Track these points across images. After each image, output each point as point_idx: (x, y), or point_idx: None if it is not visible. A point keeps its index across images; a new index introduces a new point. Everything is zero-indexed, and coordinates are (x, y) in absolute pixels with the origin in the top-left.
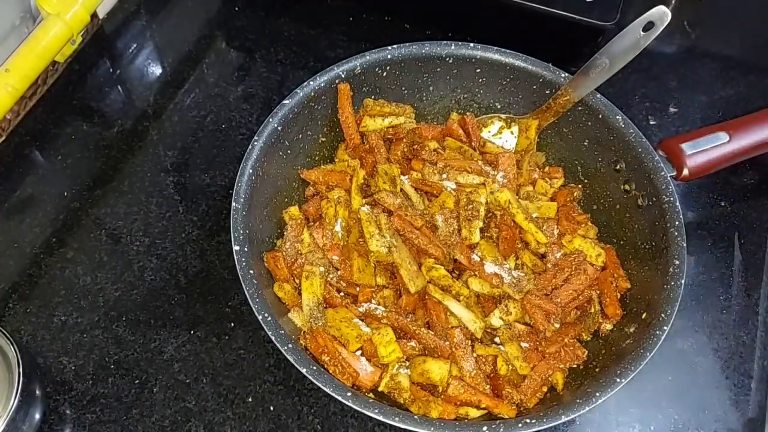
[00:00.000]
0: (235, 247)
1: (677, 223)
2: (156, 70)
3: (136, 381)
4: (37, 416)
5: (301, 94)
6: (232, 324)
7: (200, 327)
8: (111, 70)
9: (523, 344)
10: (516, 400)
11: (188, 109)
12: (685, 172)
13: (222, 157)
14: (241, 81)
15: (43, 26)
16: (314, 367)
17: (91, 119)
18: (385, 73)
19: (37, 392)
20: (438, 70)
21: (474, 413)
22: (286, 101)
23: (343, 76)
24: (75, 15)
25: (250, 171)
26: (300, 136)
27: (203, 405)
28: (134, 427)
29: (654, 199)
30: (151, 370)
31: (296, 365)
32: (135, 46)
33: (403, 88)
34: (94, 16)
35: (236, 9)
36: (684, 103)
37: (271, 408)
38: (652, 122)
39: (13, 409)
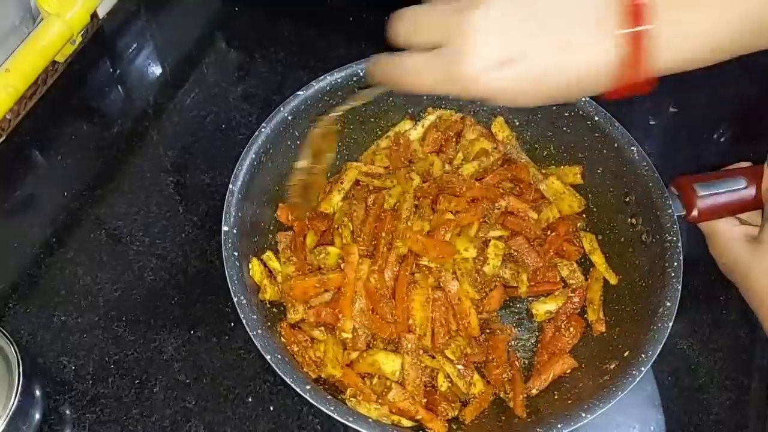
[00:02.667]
0: (224, 228)
1: (676, 264)
2: (156, 70)
3: (136, 381)
4: (37, 416)
5: (316, 86)
6: (232, 324)
7: (200, 327)
8: (111, 70)
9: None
10: (449, 417)
11: (188, 109)
12: (695, 213)
13: (222, 157)
14: (241, 81)
15: (43, 26)
16: (278, 356)
17: (91, 119)
18: None
19: (37, 392)
20: None
21: (405, 423)
22: (300, 92)
23: (361, 74)
24: (75, 15)
25: (253, 156)
26: (311, 128)
27: (203, 405)
28: (134, 427)
29: (657, 236)
30: (151, 370)
31: (262, 351)
32: (135, 46)
33: (423, 95)
34: (94, 16)
35: (236, 9)
36: (684, 103)
37: (271, 408)
38: (651, 122)
39: (13, 409)
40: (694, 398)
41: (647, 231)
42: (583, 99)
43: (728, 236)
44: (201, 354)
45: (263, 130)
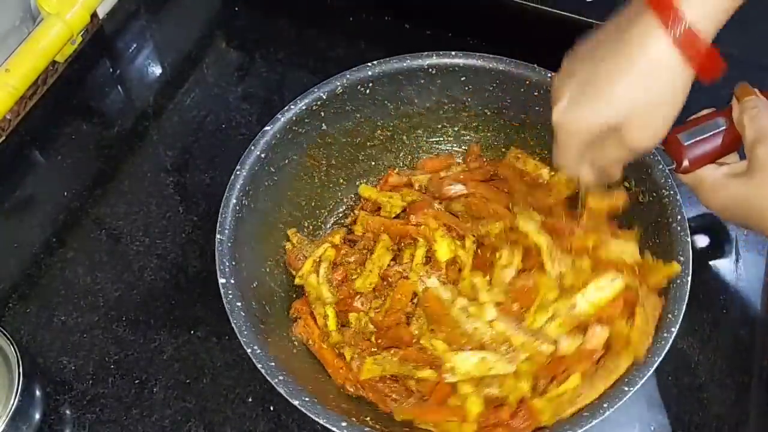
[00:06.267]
0: (221, 280)
1: (679, 217)
2: (156, 70)
3: (136, 381)
4: (37, 416)
5: (282, 119)
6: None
7: (200, 327)
8: (111, 70)
9: None
10: None
11: (188, 109)
12: (685, 163)
13: (222, 157)
14: (241, 81)
15: (43, 26)
16: (306, 399)
17: (91, 119)
18: (368, 90)
19: (37, 392)
20: (422, 81)
21: None
22: (267, 128)
23: (324, 97)
24: (75, 15)
25: (234, 201)
26: (286, 161)
27: (203, 405)
28: (134, 427)
29: (654, 194)
30: (151, 370)
31: (288, 398)
32: (135, 46)
33: (387, 103)
34: (94, 16)
35: (236, 9)
36: (684, 103)
37: (271, 408)
38: None
39: (13, 409)
40: (694, 397)
41: (642, 191)
42: (549, 74)
43: (717, 178)
44: (201, 354)
45: (239, 173)
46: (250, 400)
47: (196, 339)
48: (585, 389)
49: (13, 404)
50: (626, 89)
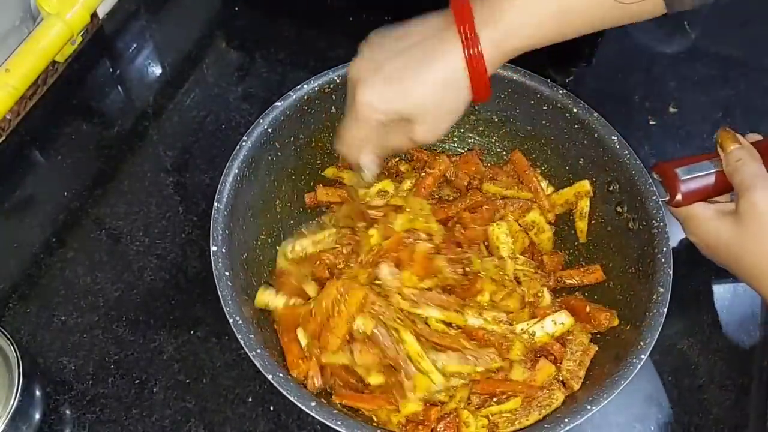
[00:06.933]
0: (213, 248)
1: (665, 249)
2: (156, 70)
3: (136, 381)
4: (37, 416)
5: (294, 96)
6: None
7: (200, 327)
8: (111, 70)
9: None
10: None
11: (188, 109)
12: (678, 197)
13: (222, 157)
14: (241, 81)
15: (43, 26)
16: (280, 374)
17: (91, 119)
18: None
19: (37, 392)
20: None
21: None
22: (278, 103)
23: (337, 80)
24: (75, 15)
25: (236, 171)
26: (291, 138)
27: (203, 405)
28: (134, 427)
29: (644, 223)
30: (151, 370)
31: (263, 371)
32: (135, 46)
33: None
34: (94, 16)
35: (236, 9)
36: (684, 104)
37: (271, 408)
38: (651, 123)
39: (13, 409)
40: (694, 398)
41: (633, 218)
42: (561, 92)
43: (707, 216)
44: (201, 354)
45: (244, 144)
46: (250, 400)
47: (196, 339)
48: (521, 414)
49: (13, 404)
50: (426, 92)
